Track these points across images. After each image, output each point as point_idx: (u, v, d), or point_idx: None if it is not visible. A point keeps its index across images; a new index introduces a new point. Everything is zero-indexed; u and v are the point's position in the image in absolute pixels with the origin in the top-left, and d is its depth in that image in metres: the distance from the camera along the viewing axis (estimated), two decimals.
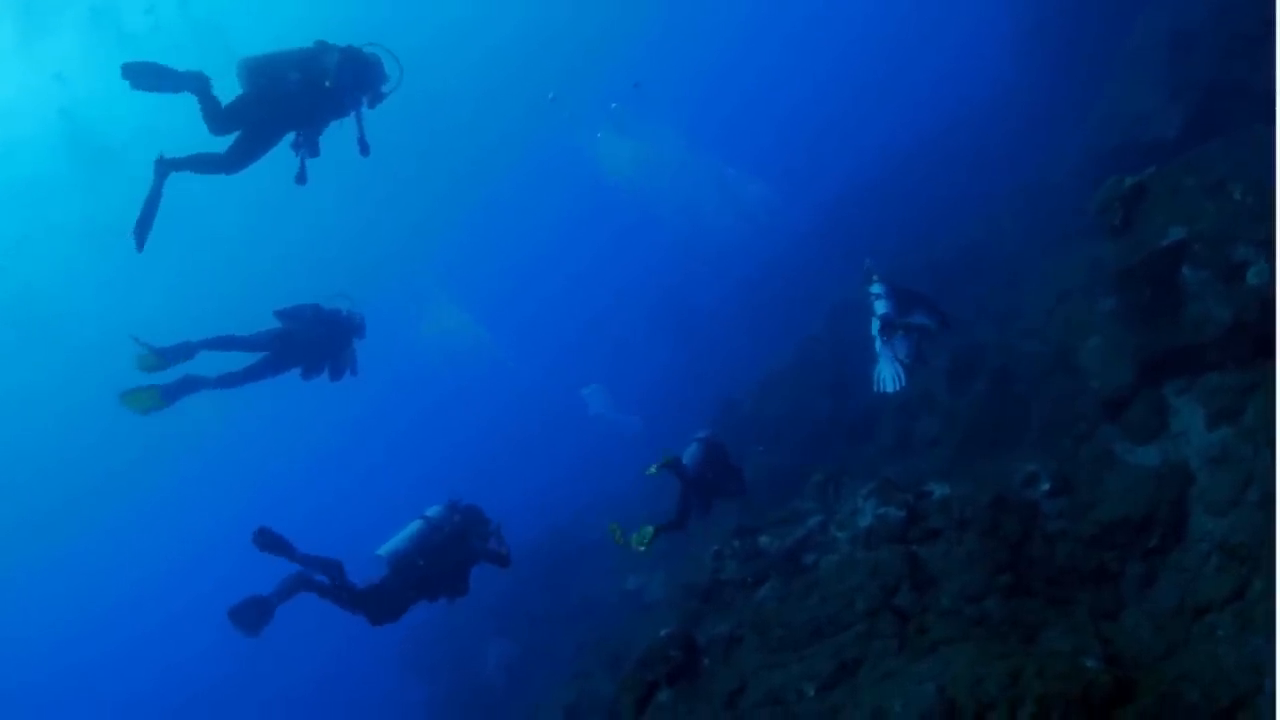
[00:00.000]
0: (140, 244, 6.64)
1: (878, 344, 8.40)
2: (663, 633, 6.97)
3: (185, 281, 35.03)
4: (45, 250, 33.35)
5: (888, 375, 8.59)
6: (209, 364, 7.56)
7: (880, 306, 8.56)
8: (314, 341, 8.10)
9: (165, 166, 6.71)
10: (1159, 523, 6.75)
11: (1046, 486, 7.08)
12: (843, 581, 6.72)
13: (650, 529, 8.54)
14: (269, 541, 7.12)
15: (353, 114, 7.17)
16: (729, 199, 28.30)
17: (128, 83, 6.58)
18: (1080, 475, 7.40)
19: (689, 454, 9.57)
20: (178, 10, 28.75)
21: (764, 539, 7.88)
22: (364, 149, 7.24)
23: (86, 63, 27.99)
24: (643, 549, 8.57)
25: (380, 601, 7.56)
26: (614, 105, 27.53)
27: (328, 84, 6.82)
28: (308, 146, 7.15)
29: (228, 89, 6.87)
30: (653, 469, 9.09)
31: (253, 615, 7.13)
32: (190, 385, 7.44)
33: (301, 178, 7.22)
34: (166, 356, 7.35)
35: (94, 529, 39.42)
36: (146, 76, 6.56)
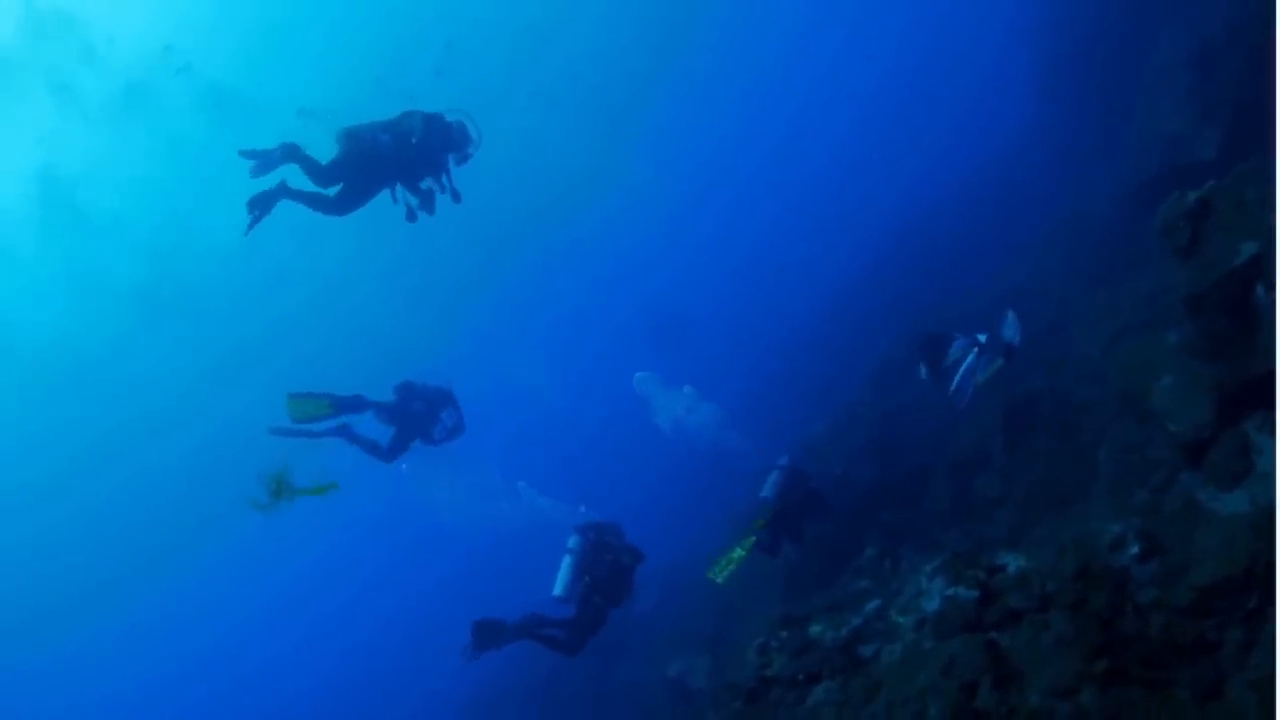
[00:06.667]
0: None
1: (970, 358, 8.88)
2: None
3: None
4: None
5: (967, 386, 8.86)
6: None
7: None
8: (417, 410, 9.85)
9: (282, 191, 7.68)
10: (1258, 579, 5.89)
11: (1136, 550, 6.18)
12: (911, 680, 5.78)
13: (740, 550, 9.25)
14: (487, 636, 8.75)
15: (444, 170, 8.18)
16: None
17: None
18: (1167, 532, 6.53)
19: (770, 483, 10.12)
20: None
21: (815, 628, 6.97)
22: (455, 197, 8.24)
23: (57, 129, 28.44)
24: (719, 580, 9.34)
25: (582, 626, 9.26)
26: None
27: (414, 140, 7.84)
28: (412, 195, 8.13)
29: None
30: (759, 523, 9.70)
31: (488, 636, 8.77)
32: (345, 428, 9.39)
33: (411, 216, 8.22)
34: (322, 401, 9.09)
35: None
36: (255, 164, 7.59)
